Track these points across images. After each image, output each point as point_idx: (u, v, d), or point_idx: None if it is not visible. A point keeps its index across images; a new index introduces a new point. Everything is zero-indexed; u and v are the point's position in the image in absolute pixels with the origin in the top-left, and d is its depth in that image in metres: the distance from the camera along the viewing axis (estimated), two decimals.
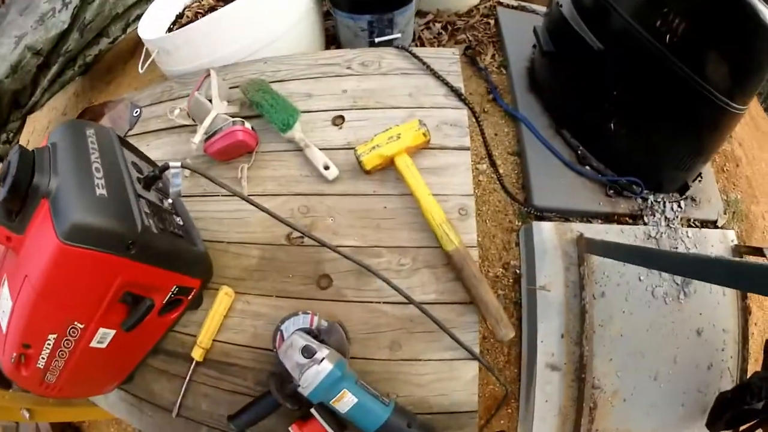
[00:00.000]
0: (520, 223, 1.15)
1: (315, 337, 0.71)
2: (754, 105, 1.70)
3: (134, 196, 0.63)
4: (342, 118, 0.95)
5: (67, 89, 1.64)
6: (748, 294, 1.14)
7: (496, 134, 1.26)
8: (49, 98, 1.45)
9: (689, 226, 1.25)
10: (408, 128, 0.84)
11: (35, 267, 0.52)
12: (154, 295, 0.67)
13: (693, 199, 1.27)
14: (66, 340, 0.58)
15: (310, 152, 0.89)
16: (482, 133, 1.17)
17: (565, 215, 1.18)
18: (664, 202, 1.21)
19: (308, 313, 0.77)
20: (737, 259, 1.13)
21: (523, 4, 1.68)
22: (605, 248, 1.00)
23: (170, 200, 0.78)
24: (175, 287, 0.71)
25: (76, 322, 0.58)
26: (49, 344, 0.57)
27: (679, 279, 1.13)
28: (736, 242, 1.21)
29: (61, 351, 0.59)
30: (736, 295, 1.15)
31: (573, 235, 1.08)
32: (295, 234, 0.84)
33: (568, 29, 1.14)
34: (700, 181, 1.30)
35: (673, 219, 1.20)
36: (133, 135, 1.08)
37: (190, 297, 0.78)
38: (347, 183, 0.88)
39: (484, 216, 1.13)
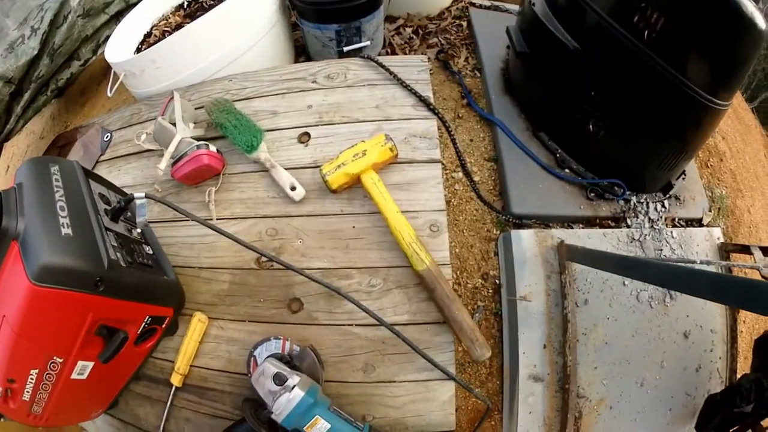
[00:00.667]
0: (498, 232, 1.16)
1: (287, 362, 0.75)
2: (736, 97, 1.71)
3: (100, 231, 0.68)
4: (308, 134, 0.99)
5: (43, 113, 1.67)
6: None
7: (471, 140, 1.27)
8: (24, 124, 1.48)
9: (674, 225, 1.26)
10: (374, 144, 0.86)
11: (11, 307, 0.57)
12: (127, 327, 0.72)
13: (677, 198, 1.27)
14: (47, 374, 0.64)
15: (276, 173, 0.92)
16: (454, 143, 1.19)
17: (545, 221, 1.18)
18: (647, 203, 1.23)
19: (280, 338, 0.81)
20: (723, 273, 1.14)
21: (496, 3, 1.67)
22: (585, 257, 1.01)
23: (138, 230, 0.83)
24: (147, 317, 0.76)
25: (55, 357, 0.63)
26: (32, 378, 0.62)
27: None
28: (722, 240, 1.23)
29: (44, 384, 0.64)
30: None
31: (553, 242, 1.10)
32: (265, 258, 0.87)
33: (541, 29, 1.13)
34: (683, 178, 1.31)
35: (657, 220, 1.21)
36: (104, 160, 1.12)
37: (164, 325, 0.82)
38: (314, 203, 0.91)
39: (461, 226, 1.15)
